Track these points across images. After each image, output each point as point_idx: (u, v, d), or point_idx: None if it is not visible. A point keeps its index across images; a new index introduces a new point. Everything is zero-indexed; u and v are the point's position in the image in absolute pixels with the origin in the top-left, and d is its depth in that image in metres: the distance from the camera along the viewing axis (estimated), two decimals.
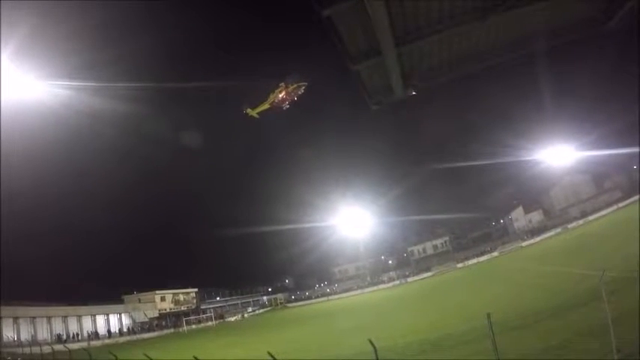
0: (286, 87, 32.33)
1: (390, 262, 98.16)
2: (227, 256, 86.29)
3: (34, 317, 47.28)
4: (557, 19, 7.53)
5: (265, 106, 33.69)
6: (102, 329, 57.11)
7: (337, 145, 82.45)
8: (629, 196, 62.23)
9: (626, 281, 13.02)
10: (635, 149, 49.47)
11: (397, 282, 76.54)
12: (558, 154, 67.95)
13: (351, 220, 76.52)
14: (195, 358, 9.56)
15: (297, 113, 34.29)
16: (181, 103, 65.77)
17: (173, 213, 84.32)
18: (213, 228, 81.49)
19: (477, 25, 7.15)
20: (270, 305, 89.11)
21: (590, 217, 63.01)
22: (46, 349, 22.91)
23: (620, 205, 61.07)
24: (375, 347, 7.82)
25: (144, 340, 50.28)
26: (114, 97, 42.19)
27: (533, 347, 10.73)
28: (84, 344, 40.29)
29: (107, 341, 48.87)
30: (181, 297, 76.22)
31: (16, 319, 44.31)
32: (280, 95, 32.42)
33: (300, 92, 32.34)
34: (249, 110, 34.74)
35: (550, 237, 63.20)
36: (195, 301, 78.72)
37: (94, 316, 57.99)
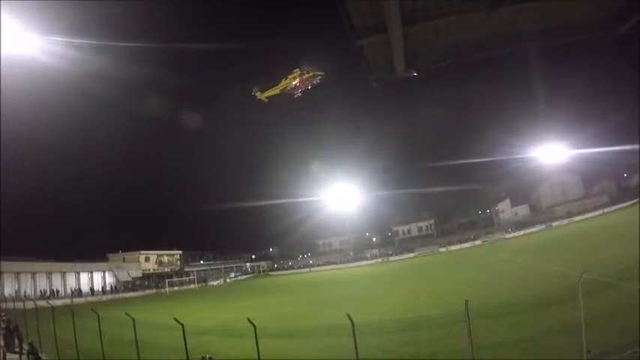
0: (301, 74, 30.93)
1: (374, 239, 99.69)
2: (214, 222, 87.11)
3: (18, 272, 47.29)
4: (566, 17, 7.37)
5: (276, 90, 32.31)
6: (85, 287, 57.52)
7: (333, 122, 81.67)
8: (616, 203, 63.74)
9: (601, 285, 13.39)
10: (629, 147, 49.64)
11: (379, 260, 77.95)
12: (551, 152, 68.39)
13: (340, 195, 77.01)
14: (175, 319, 9.62)
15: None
16: (180, 71, 64.23)
17: (166, 177, 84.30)
18: (204, 195, 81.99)
19: (486, 14, 6.97)
20: (253, 272, 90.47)
21: (576, 218, 64.14)
22: (29, 304, 22.94)
23: (606, 210, 62.16)
24: (352, 322, 7.96)
25: (126, 299, 50.87)
26: (115, 58, 40.77)
27: (505, 337, 11.04)
28: (67, 301, 40.55)
29: (90, 299, 49.28)
30: (165, 258, 76.84)
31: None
32: (294, 82, 31.04)
33: (315, 82, 30.94)
34: (258, 93, 33.35)
35: (534, 232, 64.29)
36: (179, 263, 79.49)
37: (79, 273, 58.24)
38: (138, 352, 10.94)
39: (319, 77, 30.76)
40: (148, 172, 78.21)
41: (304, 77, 30.66)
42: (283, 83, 31.57)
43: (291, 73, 31.28)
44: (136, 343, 11.06)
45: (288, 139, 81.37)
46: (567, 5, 7.16)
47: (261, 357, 8.82)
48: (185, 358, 9.32)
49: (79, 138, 63.88)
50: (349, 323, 7.96)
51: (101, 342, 12.13)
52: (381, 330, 13.87)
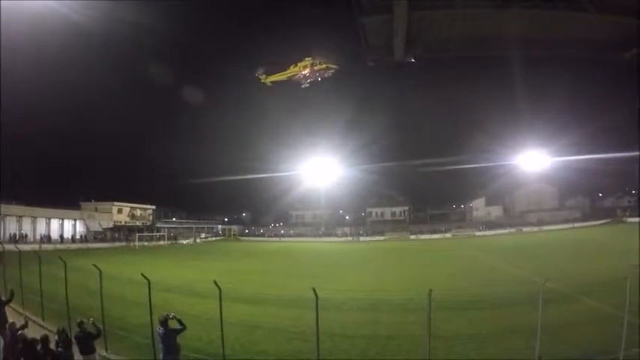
0: (313, 64, 29.52)
1: (347, 217, 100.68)
2: (190, 181, 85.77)
3: None
4: (572, 31, 7.35)
5: (282, 76, 30.91)
6: (55, 234, 56.59)
7: (320, 97, 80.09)
8: (587, 220, 66.51)
9: (561, 296, 13.95)
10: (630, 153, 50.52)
11: (350, 238, 78.42)
12: (532, 159, 69.22)
13: (319, 168, 76.03)
14: (142, 275, 9.58)
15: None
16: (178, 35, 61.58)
17: (150, 134, 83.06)
18: (183, 156, 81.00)
19: (496, 12, 6.90)
20: (224, 235, 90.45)
21: (546, 228, 65.96)
22: None
23: (576, 225, 64.24)
24: (317, 296, 8.11)
25: (95, 249, 49.99)
26: (120, 14, 38.23)
27: (462, 331, 11.44)
28: (35, 246, 39.39)
29: (59, 246, 48.40)
30: (138, 212, 75.93)
31: None
32: (304, 71, 29.56)
33: (326, 75, 29.51)
34: (262, 77, 31.85)
35: (504, 234, 65.97)
36: (151, 218, 78.77)
37: (49, 219, 57.14)
38: (102, 302, 10.92)
39: (332, 71, 29.44)
40: (134, 126, 76.31)
41: (315, 68, 29.30)
42: (292, 70, 30.16)
43: (301, 60, 29.81)
44: (101, 293, 11.04)
45: (275, 112, 79.73)
46: (577, 20, 7.13)
47: (223, 319, 8.95)
48: (149, 312, 9.34)
49: (65, 84, 60.66)
50: (313, 296, 8.11)
51: (66, 290, 12.02)
52: (342, 307, 14.28)
